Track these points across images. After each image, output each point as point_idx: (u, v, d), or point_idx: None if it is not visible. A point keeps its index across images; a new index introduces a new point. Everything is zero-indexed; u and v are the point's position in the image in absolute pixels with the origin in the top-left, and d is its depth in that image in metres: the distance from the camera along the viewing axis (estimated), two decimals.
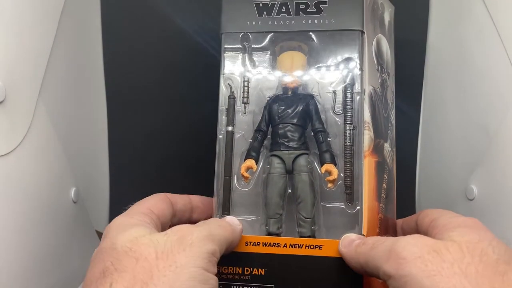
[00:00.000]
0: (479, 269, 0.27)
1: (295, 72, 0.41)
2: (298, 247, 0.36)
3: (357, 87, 0.40)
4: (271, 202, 0.39)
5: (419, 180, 0.57)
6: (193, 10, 0.56)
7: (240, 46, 0.42)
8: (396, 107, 0.46)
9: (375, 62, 0.42)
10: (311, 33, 0.41)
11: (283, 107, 0.40)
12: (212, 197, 0.40)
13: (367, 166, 0.38)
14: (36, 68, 0.41)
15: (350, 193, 0.39)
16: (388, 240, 0.31)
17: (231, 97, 0.41)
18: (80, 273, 0.46)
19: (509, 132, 0.42)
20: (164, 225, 0.36)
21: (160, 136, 0.59)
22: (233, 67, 0.42)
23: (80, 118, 0.51)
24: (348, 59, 0.41)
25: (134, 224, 0.32)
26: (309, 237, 0.38)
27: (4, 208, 0.37)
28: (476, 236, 0.30)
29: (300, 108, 0.40)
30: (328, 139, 0.40)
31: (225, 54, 0.42)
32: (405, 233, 0.40)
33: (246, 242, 0.37)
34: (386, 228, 0.40)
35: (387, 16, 0.45)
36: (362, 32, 0.40)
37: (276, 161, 0.40)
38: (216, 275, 0.30)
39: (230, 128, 0.41)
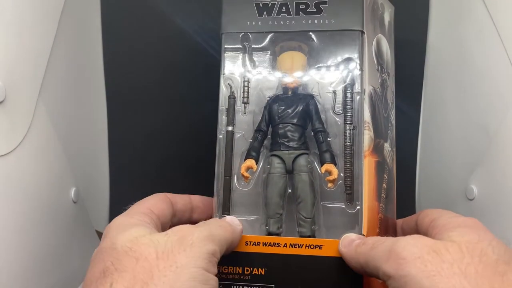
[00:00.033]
0: (478, 270, 0.27)
1: (295, 72, 0.41)
2: (298, 247, 0.36)
3: (357, 87, 0.40)
4: (271, 202, 0.39)
5: (419, 180, 0.57)
6: (193, 10, 0.56)
7: (240, 46, 0.42)
8: (396, 107, 0.46)
9: (375, 62, 0.42)
10: (311, 33, 0.41)
11: (283, 107, 0.40)
12: (212, 197, 0.40)
13: (367, 166, 0.38)
14: (36, 68, 0.41)
15: (350, 193, 0.39)
16: (388, 240, 0.31)
17: (231, 97, 0.41)
18: (80, 273, 0.46)
19: (509, 132, 0.42)
20: (164, 225, 0.36)
21: (160, 136, 0.59)
22: (233, 67, 0.42)
23: (80, 118, 0.51)
24: (348, 59, 0.41)
25: (134, 224, 0.32)
26: (309, 237, 0.38)
27: (4, 208, 0.37)
28: (475, 236, 0.30)
29: (300, 108, 0.40)
30: (328, 139, 0.40)
31: (225, 54, 0.42)
32: (405, 233, 0.40)
33: (246, 242, 0.37)
34: (386, 228, 0.40)
35: (387, 16, 0.45)
36: (362, 32, 0.40)
37: (276, 161, 0.40)
38: (216, 275, 0.30)
39: (230, 128, 0.41)
